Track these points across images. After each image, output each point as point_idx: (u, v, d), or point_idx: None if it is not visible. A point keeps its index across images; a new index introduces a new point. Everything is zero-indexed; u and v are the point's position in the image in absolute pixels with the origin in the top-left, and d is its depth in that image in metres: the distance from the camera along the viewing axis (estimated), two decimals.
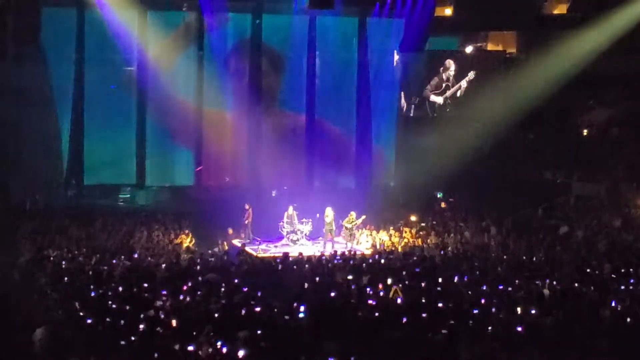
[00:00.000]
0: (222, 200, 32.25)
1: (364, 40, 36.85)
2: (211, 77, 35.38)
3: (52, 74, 34.37)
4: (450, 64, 37.57)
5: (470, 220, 32.28)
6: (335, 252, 25.83)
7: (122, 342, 14.18)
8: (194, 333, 14.59)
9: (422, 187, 35.87)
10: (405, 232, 30.32)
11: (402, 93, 37.94)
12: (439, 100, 37.54)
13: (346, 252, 26.23)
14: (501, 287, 19.53)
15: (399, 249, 27.62)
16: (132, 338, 14.39)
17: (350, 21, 37.13)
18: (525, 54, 39.81)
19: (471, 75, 37.50)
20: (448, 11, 37.65)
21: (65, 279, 19.88)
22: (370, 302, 17.72)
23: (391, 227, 30.80)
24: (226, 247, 27.87)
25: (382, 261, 24.15)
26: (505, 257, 25.44)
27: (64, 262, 22.80)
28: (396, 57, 37.71)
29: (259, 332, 14.74)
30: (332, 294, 18.49)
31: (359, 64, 37.07)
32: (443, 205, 36.32)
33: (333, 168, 36.62)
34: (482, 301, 17.98)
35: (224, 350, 13.84)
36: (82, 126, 34.56)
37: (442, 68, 37.52)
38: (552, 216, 33.25)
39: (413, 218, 32.18)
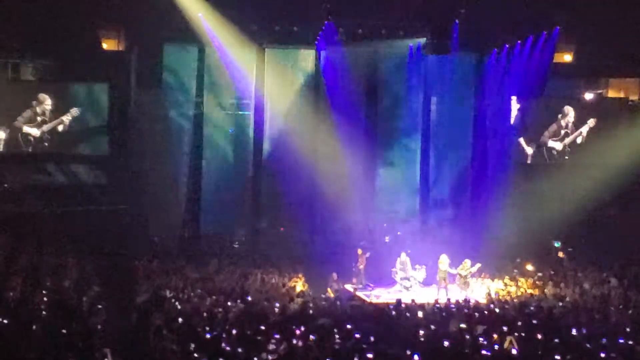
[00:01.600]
0: (336, 245, 32.29)
1: (481, 84, 36.58)
2: (326, 119, 35.57)
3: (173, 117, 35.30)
4: (569, 111, 36.93)
5: (590, 271, 31.44)
6: (449, 300, 25.45)
7: None
8: None
9: (539, 236, 35.16)
10: (521, 281, 29.75)
11: (520, 139, 37.41)
12: (558, 146, 36.90)
13: (460, 301, 25.85)
14: (622, 340, 18.89)
15: (515, 299, 27.02)
16: None
17: (468, 64, 36.91)
18: None
19: (591, 122, 36.78)
20: (568, 57, 37.12)
21: (180, 320, 20.08)
22: (484, 352, 17.36)
23: (507, 276, 30.25)
24: (332, 294, 27.77)
25: (497, 310, 23.68)
26: (625, 308, 24.60)
27: (178, 303, 23.11)
28: (514, 102, 37.24)
29: None
30: (446, 343, 18.19)
31: (475, 107, 36.78)
32: (561, 255, 35.50)
33: (450, 216, 36.27)
34: (602, 355, 17.45)
35: None
36: (201, 171, 35.16)
37: (560, 115, 36.90)
38: None
39: (529, 267, 31.58)
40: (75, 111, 33.15)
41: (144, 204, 33.57)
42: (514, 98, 37.08)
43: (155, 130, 35.43)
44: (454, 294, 28.15)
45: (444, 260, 29.15)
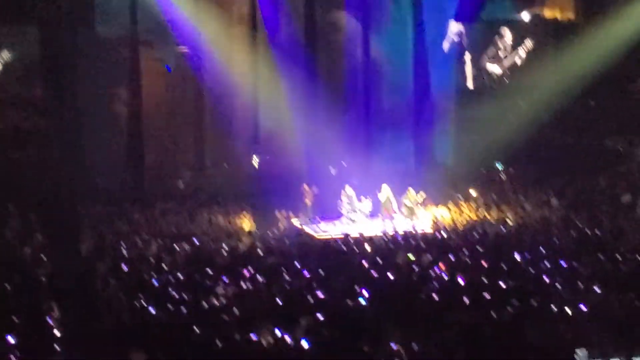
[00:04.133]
0: (282, 181, 32.23)
1: (420, 13, 36.31)
2: (266, 57, 35.27)
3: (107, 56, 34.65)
4: (506, 32, 37.02)
5: (531, 192, 31.85)
6: (396, 231, 25.56)
7: (184, 333, 14.19)
8: (256, 322, 14.54)
9: (482, 160, 35.46)
10: (465, 207, 29.97)
11: (459, 64, 37.46)
12: (497, 69, 37.05)
13: (406, 231, 26.05)
14: (564, 264, 19.21)
15: (459, 226, 27.27)
16: (194, 328, 14.40)
17: None
18: (583, 20, 39.03)
19: (528, 43, 36.95)
20: None
21: (127, 267, 19.94)
22: (432, 283, 17.55)
23: (451, 202, 30.46)
24: (285, 229, 27.81)
25: (443, 239, 23.93)
26: (567, 230, 24.99)
27: (124, 249, 22.95)
28: (452, 27, 37.10)
29: (321, 318, 14.70)
30: (394, 277, 18.36)
31: (414, 36, 36.56)
32: (503, 176, 35.88)
33: (392, 143, 36.28)
34: (546, 278, 17.76)
35: (286, 339, 13.81)
36: (141, 110, 34.66)
37: (497, 37, 36.96)
38: (614, 185, 32.62)
39: (473, 192, 31.84)
40: (5, 54, 32.31)
41: (83, 148, 33.03)
42: (452, 22, 36.95)
43: (90, 71, 34.68)
44: (400, 224, 28.35)
45: (385, 191, 29.21)
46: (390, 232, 25.38)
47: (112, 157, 34.75)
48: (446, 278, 18.34)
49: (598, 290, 16.26)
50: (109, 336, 14.21)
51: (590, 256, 20.06)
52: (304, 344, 13.33)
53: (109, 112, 35.52)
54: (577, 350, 12.16)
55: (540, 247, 21.74)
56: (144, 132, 34.85)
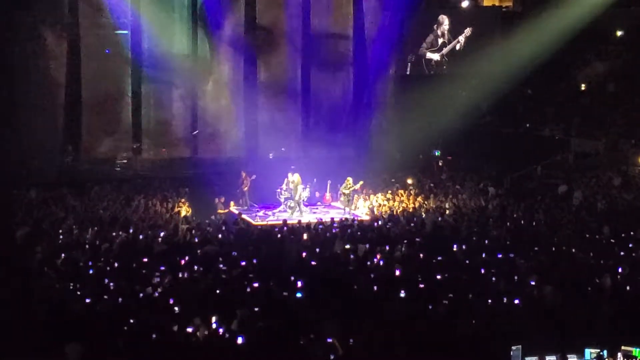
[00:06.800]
0: (220, 167, 32.11)
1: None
2: (205, 41, 35.04)
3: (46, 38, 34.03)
4: (444, 19, 37.25)
5: (468, 181, 32.13)
6: (333, 219, 25.59)
7: (119, 324, 14.08)
8: (192, 313, 14.48)
9: (420, 147, 35.66)
10: (403, 195, 30.10)
11: (398, 51, 37.55)
12: (435, 57, 37.23)
13: (343, 219, 26.13)
14: (500, 255, 19.42)
15: (396, 214, 27.37)
16: (129, 319, 14.30)
17: None
18: (522, 8, 39.45)
19: (467, 31, 37.20)
20: None
21: (62, 255, 19.67)
22: (368, 274, 17.64)
23: (389, 191, 30.57)
24: (223, 215, 27.66)
25: (380, 227, 24.06)
26: (503, 220, 25.25)
27: (59, 236, 22.65)
28: (391, 14, 37.11)
29: (256, 310, 14.69)
30: (331, 267, 18.42)
31: (354, 23, 36.54)
32: (441, 163, 36.14)
33: (329, 131, 36.25)
34: (482, 271, 17.94)
35: (221, 332, 13.80)
36: (80, 94, 34.16)
37: (436, 25, 37.13)
38: (551, 174, 33.06)
39: (410, 181, 31.98)
40: None
41: (20, 131, 32.50)
42: (390, 9, 36.96)
43: (27, 53, 34.04)
44: (338, 212, 28.44)
45: (294, 179, 29.20)
46: (328, 221, 25.32)
47: (51, 140, 34.13)
48: (383, 268, 18.47)
49: (533, 284, 16.46)
50: (43, 326, 14.02)
51: (525, 248, 20.34)
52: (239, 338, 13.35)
53: (45, 95, 34.83)
54: (512, 347, 12.32)
55: (476, 238, 22.00)
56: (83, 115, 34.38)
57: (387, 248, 20.24)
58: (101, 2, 33.97)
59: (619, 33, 37.33)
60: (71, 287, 16.73)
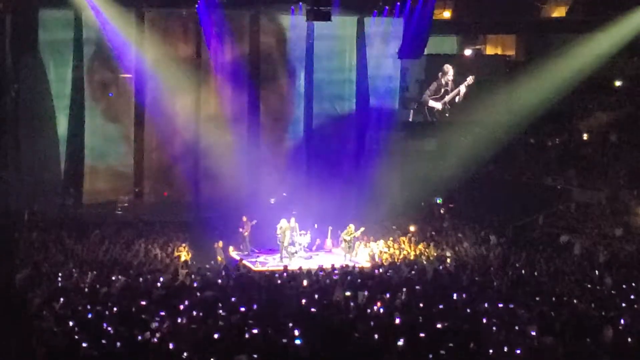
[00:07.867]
0: (221, 211, 32.05)
1: (362, 46, 36.51)
2: (209, 86, 35.24)
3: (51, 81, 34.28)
4: (449, 69, 37.44)
5: (470, 229, 32.04)
6: (333, 265, 25.49)
7: None
8: (191, 358, 14.38)
9: (422, 195, 35.64)
10: (404, 243, 30.02)
11: (402, 99, 37.72)
12: (438, 105, 37.36)
13: (344, 265, 26.04)
14: (501, 305, 19.30)
15: (397, 261, 27.28)
16: None
17: (349, 28, 36.80)
18: (525, 58, 39.67)
19: (470, 79, 37.36)
20: (447, 14, 37.72)
21: (62, 299, 19.58)
22: (368, 322, 17.51)
23: (390, 238, 30.50)
24: (223, 261, 27.53)
25: (380, 275, 23.95)
26: (505, 270, 25.14)
27: (59, 279, 22.55)
28: (395, 62, 37.30)
29: (255, 356, 14.58)
30: (331, 314, 18.30)
31: (357, 69, 36.74)
32: (442, 211, 36.10)
33: (332, 178, 36.21)
34: (483, 320, 17.82)
35: None
36: (83, 137, 34.26)
37: (440, 73, 37.32)
38: (552, 224, 32.98)
39: (412, 228, 31.92)
40: None
41: (22, 172, 32.59)
42: (394, 58, 37.14)
43: (34, 95, 34.23)
44: (339, 259, 28.36)
45: (282, 225, 29.14)
46: (328, 267, 25.21)
47: (53, 182, 34.19)
48: (383, 316, 18.35)
49: (534, 334, 16.35)
50: None
51: (527, 298, 20.24)
52: None
53: (50, 133, 34.99)
54: None
55: (477, 287, 21.89)
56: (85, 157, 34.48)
57: (388, 296, 20.13)
58: (108, 45, 34.15)
59: (621, 83, 37.39)
60: (69, 330, 16.64)
